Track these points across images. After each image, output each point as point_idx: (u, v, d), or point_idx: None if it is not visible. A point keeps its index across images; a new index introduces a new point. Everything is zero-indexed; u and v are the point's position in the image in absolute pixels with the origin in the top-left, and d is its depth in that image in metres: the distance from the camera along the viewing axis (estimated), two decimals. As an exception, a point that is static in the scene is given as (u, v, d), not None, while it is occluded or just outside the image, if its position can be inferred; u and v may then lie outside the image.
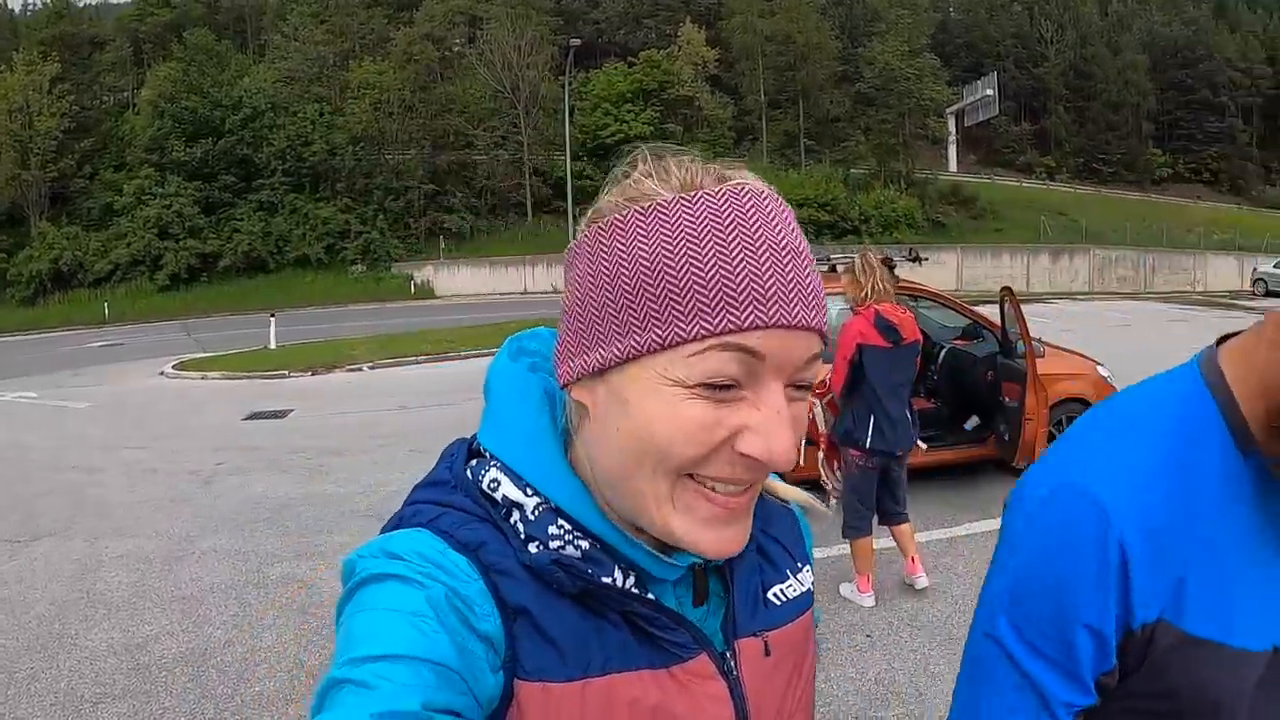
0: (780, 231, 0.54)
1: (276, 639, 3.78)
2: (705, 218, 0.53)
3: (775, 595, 0.70)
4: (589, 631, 0.59)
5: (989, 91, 38.16)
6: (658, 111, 37.56)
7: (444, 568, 0.56)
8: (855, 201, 33.23)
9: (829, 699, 3.16)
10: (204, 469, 7.04)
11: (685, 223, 0.53)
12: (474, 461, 0.64)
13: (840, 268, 4.65)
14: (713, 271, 0.52)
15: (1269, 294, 25.74)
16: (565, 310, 0.60)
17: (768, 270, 0.52)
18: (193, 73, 35.86)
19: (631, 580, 0.60)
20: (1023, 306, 5.10)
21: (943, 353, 6.01)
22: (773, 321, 0.52)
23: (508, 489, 0.60)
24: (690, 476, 0.55)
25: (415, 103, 35.58)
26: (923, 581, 3.89)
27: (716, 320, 0.51)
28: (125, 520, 5.70)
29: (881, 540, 4.03)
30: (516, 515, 0.60)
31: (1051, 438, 5.39)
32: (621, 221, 0.55)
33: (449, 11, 41.20)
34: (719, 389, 0.53)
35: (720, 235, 0.52)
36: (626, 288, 0.54)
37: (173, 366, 14.41)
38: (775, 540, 0.72)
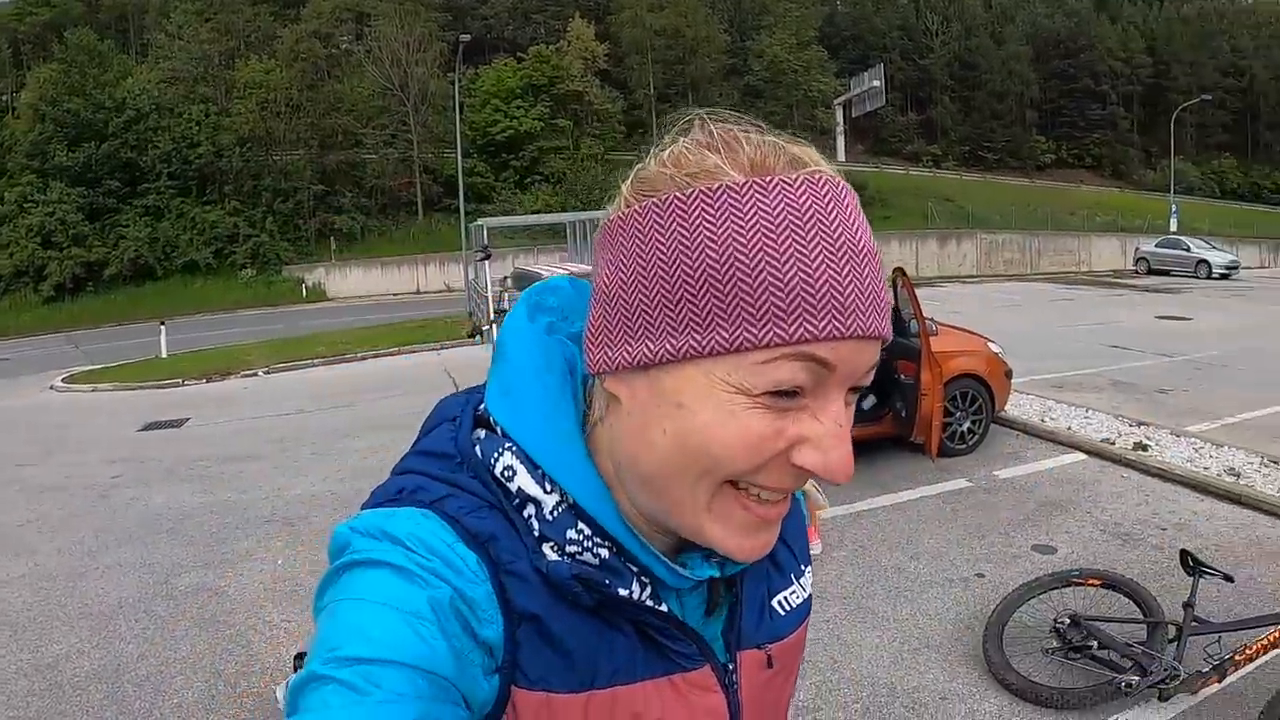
0: (858, 231, 0.50)
1: (190, 649, 3.82)
2: (782, 209, 0.48)
3: (780, 604, 0.69)
4: (597, 641, 0.57)
5: (876, 83, 39.42)
6: (548, 107, 37.65)
7: (450, 564, 0.53)
8: None
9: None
10: (101, 482, 6.95)
11: (760, 213, 0.48)
12: (481, 434, 0.60)
13: None
14: (791, 273, 0.47)
15: (1151, 272, 27.73)
16: (603, 292, 0.54)
17: (848, 276, 0.48)
18: (74, 74, 34.87)
19: (647, 591, 0.58)
20: (914, 289, 5.49)
21: None
22: (850, 332, 0.48)
23: (524, 481, 0.56)
24: (734, 484, 0.53)
25: (303, 102, 35.22)
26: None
27: (793, 328, 0.48)
28: (24, 538, 5.65)
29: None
30: (531, 510, 0.56)
31: (947, 413, 5.61)
32: (683, 201, 0.49)
33: (336, 8, 41.04)
34: (783, 397, 0.49)
35: (800, 232, 0.48)
36: (688, 279, 0.49)
37: (62, 380, 14.15)
38: (784, 542, 0.71)
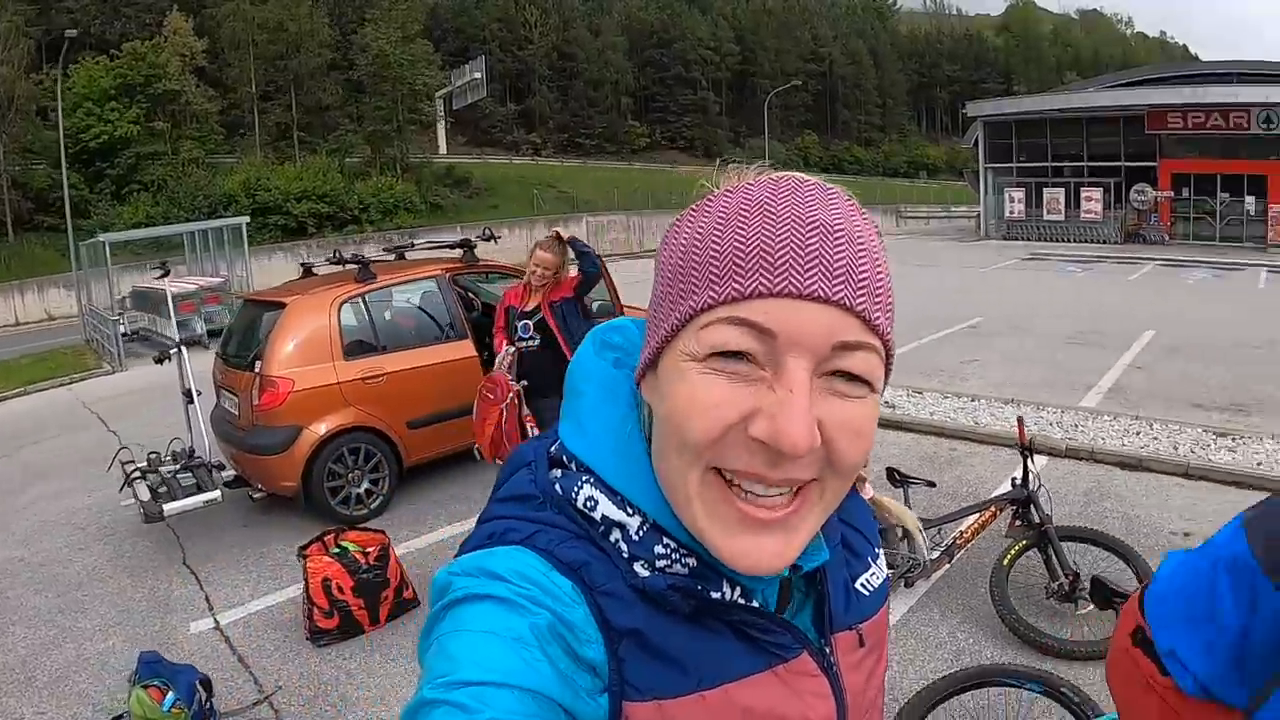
0: (813, 209, 0.73)
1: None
2: (738, 200, 0.75)
3: (863, 586, 0.97)
4: (698, 644, 0.80)
5: (477, 75, 53.89)
6: (144, 109, 45.83)
7: (548, 591, 0.75)
8: (354, 191, 45.09)
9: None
10: None
11: (721, 205, 0.76)
12: (558, 473, 0.85)
13: (410, 254, 8.36)
14: (728, 244, 0.72)
15: None
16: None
17: (783, 240, 0.71)
18: None
19: (738, 591, 0.82)
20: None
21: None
22: (778, 289, 0.70)
23: (606, 508, 0.81)
24: (718, 474, 0.74)
25: None
26: None
27: (722, 289, 0.72)
28: None
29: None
30: (617, 534, 0.81)
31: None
32: (679, 218, 0.81)
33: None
34: (730, 359, 0.72)
35: (745, 212, 0.73)
36: (668, 273, 0.78)
37: None
38: (855, 529, 1.00)
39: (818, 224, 0.73)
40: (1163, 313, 17.51)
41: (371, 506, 7.24)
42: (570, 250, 6.23)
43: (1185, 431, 8.68)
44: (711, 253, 0.74)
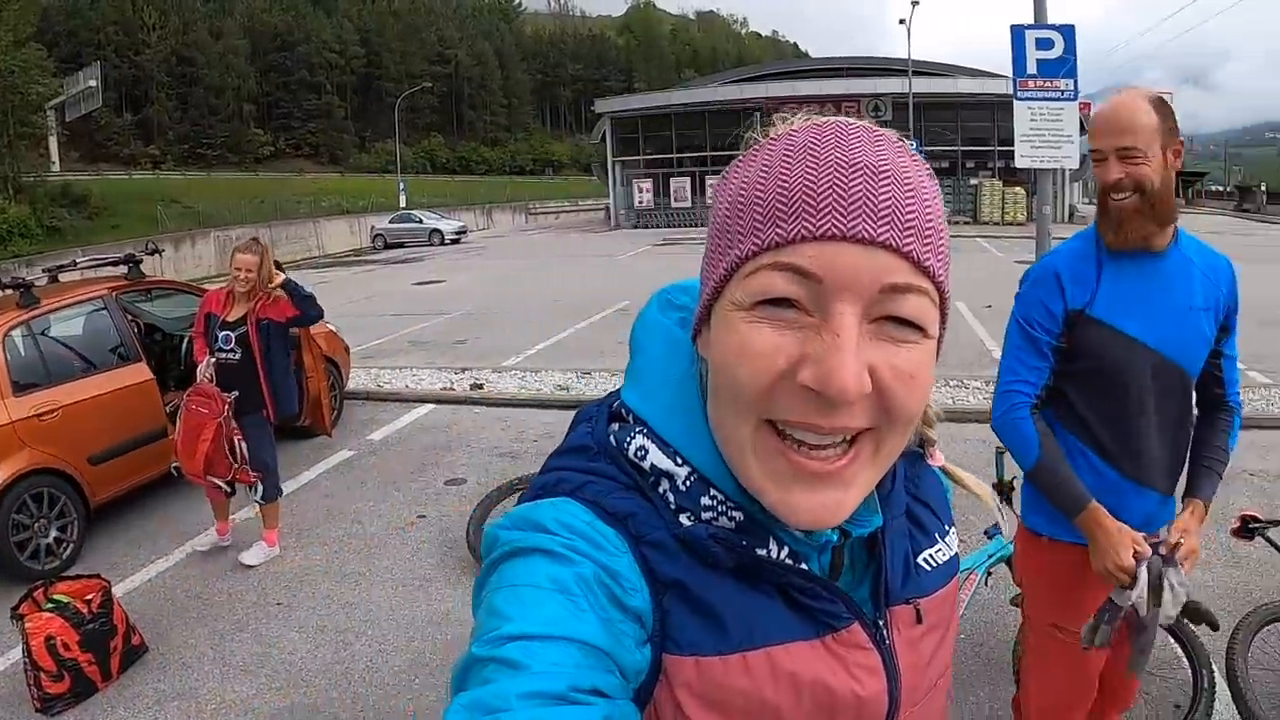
0: (857, 151, 0.71)
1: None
2: (781, 146, 0.74)
3: (926, 560, 0.93)
4: (743, 603, 0.78)
5: (92, 82, 49.79)
6: None
7: (592, 540, 0.75)
8: None
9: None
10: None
11: (765, 154, 0.75)
12: (616, 426, 0.86)
13: (67, 275, 7.76)
14: (771, 190, 0.71)
15: (388, 246, 42.99)
16: None
17: (825, 182, 0.69)
18: None
19: (785, 551, 0.81)
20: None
21: (185, 342, 8.10)
22: (821, 232, 0.68)
23: (656, 457, 0.81)
24: (772, 427, 0.73)
25: None
26: (276, 550, 6.16)
27: (765, 235, 0.71)
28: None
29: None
30: (666, 485, 0.81)
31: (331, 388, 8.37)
32: (726, 170, 0.80)
33: None
34: (777, 307, 0.70)
35: (789, 158, 0.72)
36: (716, 226, 0.78)
37: None
38: (925, 505, 0.96)
39: (861, 165, 0.71)
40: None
41: (64, 556, 6.38)
42: (270, 256, 6.04)
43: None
44: (756, 200, 0.73)
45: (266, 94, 76.31)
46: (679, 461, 0.82)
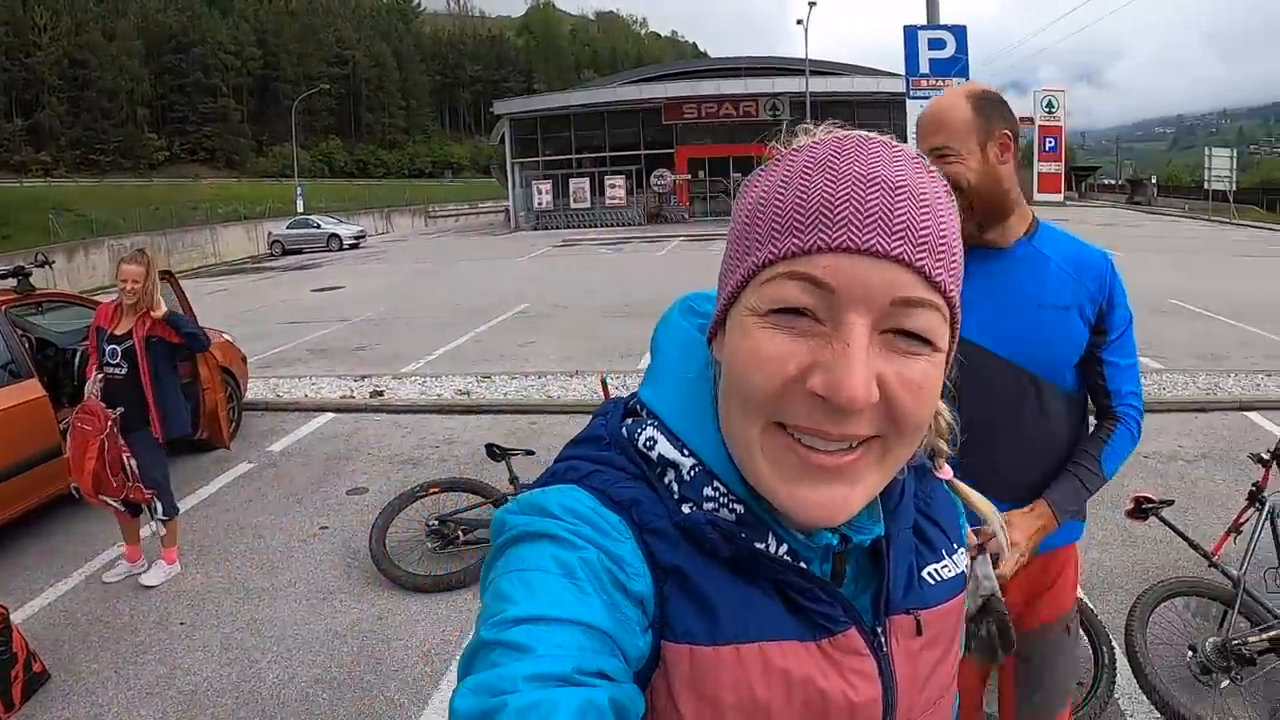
0: (876, 165, 0.74)
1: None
2: (802, 158, 0.77)
3: (930, 575, 0.94)
4: (740, 597, 0.80)
5: None
6: None
7: (597, 526, 0.77)
8: None
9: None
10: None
11: (786, 165, 0.78)
12: (629, 420, 0.89)
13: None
14: (790, 201, 0.74)
15: (286, 252, 42.48)
16: None
17: (843, 196, 0.72)
18: None
19: (784, 548, 0.83)
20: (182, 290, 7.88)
21: (78, 356, 7.87)
22: (836, 244, 0.71)
23: (664, 448, 0.84)
24: (782, 427, 0.76)
25: None
26: (176, 568, 6.08)
27: (783, 244, 0.74)
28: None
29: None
30: (671, 475, 0.84)
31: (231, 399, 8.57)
32: (748, 180, 0.83)
33: None
34: (790, 315, 0.73)
35: (809, 170, 0.75)
36: (735, 233, 0.81)
37: None
38: (934, 523, 0.98)
39: (879, 180, 0.75)
40: (691, 282, 19.26)
41: None
42: (156, 266, 6.02)
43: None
44: (775, 210, 0.77)
45: (161, 97, 75.01)
46: (686, 453, 0.85)
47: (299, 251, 42.76)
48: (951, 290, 0.77)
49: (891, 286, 0.73)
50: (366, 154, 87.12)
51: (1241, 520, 4.65)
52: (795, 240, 0.74)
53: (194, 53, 76.75)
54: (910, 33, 9.20)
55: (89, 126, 67.18)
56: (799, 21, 38.24)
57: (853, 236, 0.72)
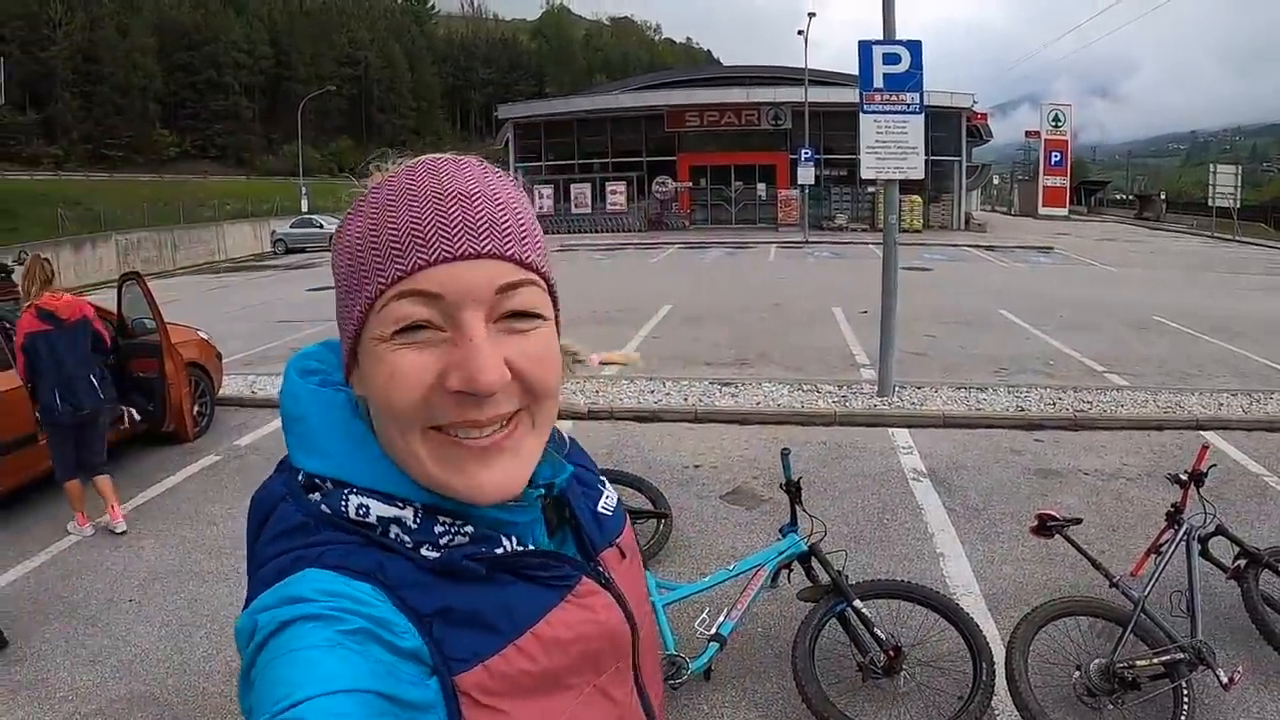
0: (448, 181, 0.83)
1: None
2: (384, 193, 0.84)
3: (603, 509, 1.09)
4: (499, 599, 0.86)
5: None
6: None
7: (353, 598, 0.78)
8: None
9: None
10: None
11: (371, 203, 0.84)
12: (317, 496, 0.88)
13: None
14: (384, 233, 0.81)
15: (289, 251, 42.98)
16: None
17: (428, 215, 0.80)
18: None
19: (514, 541, 0.90)
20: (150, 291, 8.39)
21: None
22: (435, 258, 0.79)
23: (379, 509, 0.86)
24: (438, 429, 0.82)
25: None
26: (121, 526, 6.74)
27: (388, 271, 0.80)
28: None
29: None
30: (396, 529, 0.85)
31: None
32: (340, 225, 0.89)
33: None
34: (413, 330, 0.80)
35: (392, 201, 0.82)
36: (342, 274, 0.86)
37: None
38: (579, 465, 1.09)
39: (454, 192, 0.83)
40: (680, 288, 19.91)
41: None
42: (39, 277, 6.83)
43: (695, 385, 10.28)
44: (372, 243, 0.83)
45: (173, 93, 75.60)
46: (401, 504, 0.87)
47: (302, 250, 43.34)
48: (543, 266, 0.88)
49: (491, 279, 0.83)
50: (377, 156, 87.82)
51: (1161, 541, 4.68)
52: (398, 265, 0.81)
53: (207, 50, 77.36)
54: (865, 48, 9.38)
55: (101, 121, 67.53)
56: (799, 32, 38.27)
57: (446, 247, 0.81)
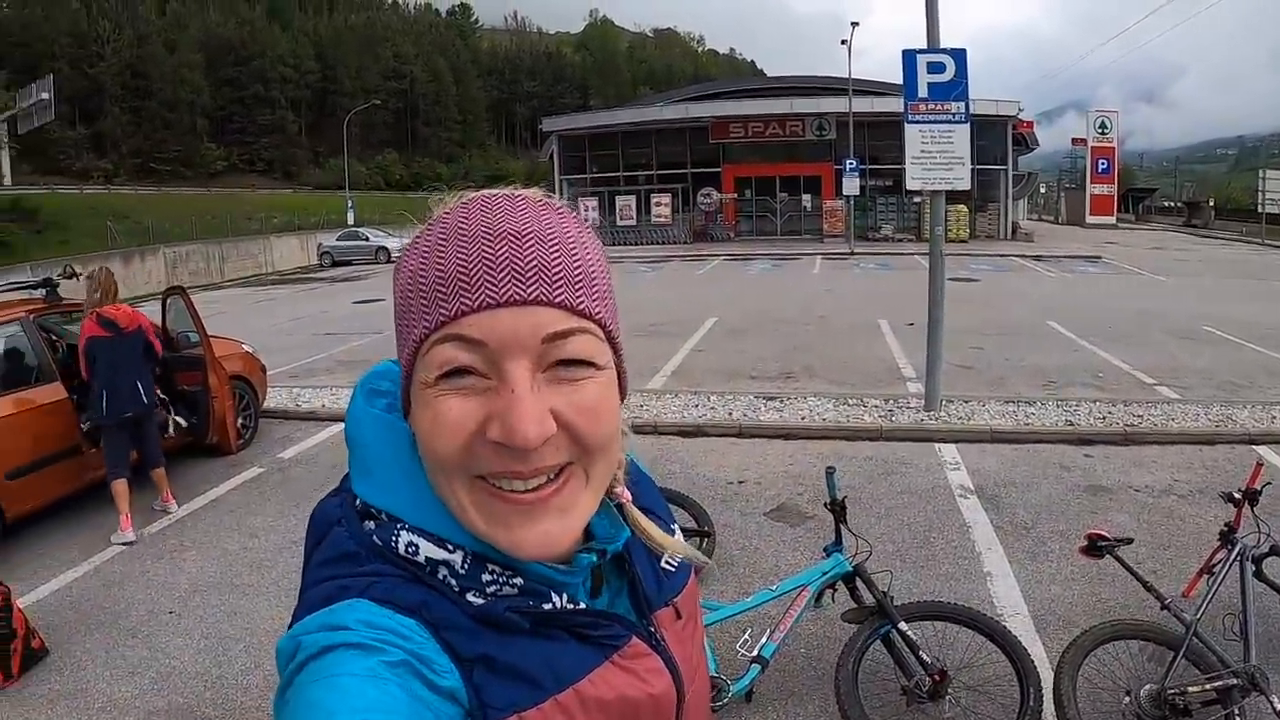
0: (500, 219, 0.79)
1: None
2: (436, 232, 0.81)
3: (668, 563, 1.03)
4: (543, 654, 0.84)
5: (45, 95, 49.81)
6: None
7: (397, 632, 0.77)
8: None
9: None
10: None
11: (424, 242, 0.81)
12: (372, 525, 0.87)
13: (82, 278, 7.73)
14: (432, 274, 0.78)
15: (335, 264, 43.22)
16: None
17: (474, 258, 0.77)
18: None
19: (564, 598, 0.87)
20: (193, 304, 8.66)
21: None
22: (478, 304, 0.76)
23: (428, 550, 0.84)
24: (483, 480, 0.79)
25: None
26: (173, 506, 7.47)
27: (433, 315, 0.77)
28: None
29: None
30: (444, 571, 0.83)
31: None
32: (397, 263, 0.86)
33: None
34: (457, 376, 0.77)
35: (443, 242, 0.79)
36: (397, 314, 0.84)
37: None
38: (650, 511, 1.03)
39: (504, 234, 0.79)
40: (725, 301, 19.85)
41: None
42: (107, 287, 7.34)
43: (739, 399, 10.19)
44: (420, 285, 0.81)
45: (220, 108, 76.80)
46: (450, 549, 0.85)
47: (348, 263, 43.78)
48: (599, 312, 0.83)
49: (538, 327, 0.78)
50: (423, 167, 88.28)
51: (1214, 561, 4.54)
52: (443, 310, 0.78)
53: (254, 65, 78.81)
54: (909, 57, 9.19)
55: (149, 136, 68.88)
56: (843, 42, 38.05)
57: (490, 293, 0.77)
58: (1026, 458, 8.27)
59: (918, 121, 9.46)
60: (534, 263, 0.79)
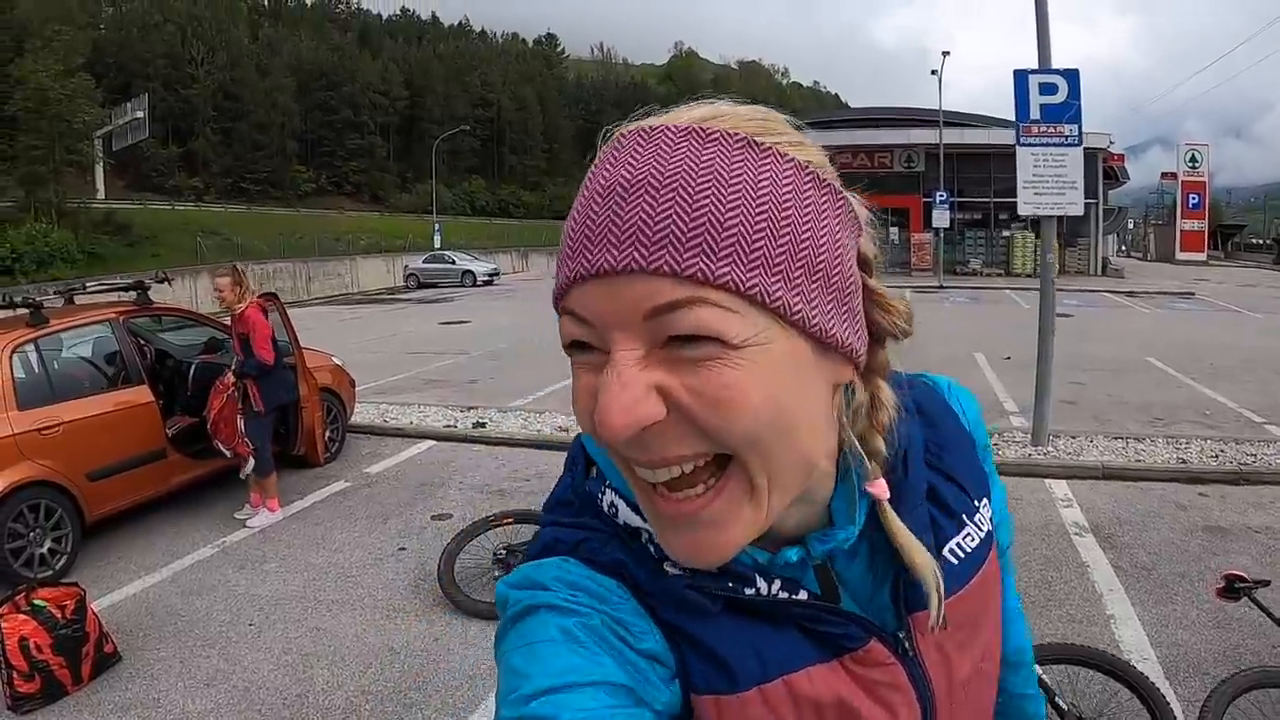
0: (625, 165, 0.66)
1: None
2: (586, 177, 0.71)
3: (952, 552, 0.86)
4: (749, 638, 0.77)
5: (139, 114, 51.41)
6: None
7: (595, 594, 0.76)
8: (5, 239, 40.03)
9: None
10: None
11: (581, 189, 0.70)
12: (593, 472, 0.85)
13: (80, 298, 8.24)
14: (564, 234, 0.70)
15: (421, 285, 43.91)
16: None
17: (581, 218, 0.67)
18: None
19: (777, 585, 0.78)
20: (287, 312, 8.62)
21: (193, 369, 8.53)
22: (574, 276, 0.66)
23: (626, 514, 0.80)
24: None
25: None
26: (277, 515, 7.61)
27: (557, 284, 0.70)
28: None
29: None
30: (645, 535, 0.79)
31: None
32: None
33: None
34: (580, 350, 0.70)
35: (581, 194, 0.70)
36: None
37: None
38: (952, 480, 0.89)
39: (614, 185, 0.67)
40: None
41: (56, 567, 6.62)
42: (240, 277, 7.63)
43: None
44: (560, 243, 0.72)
45: (310, 131, 78.18)
46: (644, 517, 0.78)
47: (433, 285, 44.13)
48: (722, 277, 0.64)
49: (638, 300, 0.65)
50: (508, 194, 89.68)
51: None
52: (561, 276, 0.70)
53: (344, 91, 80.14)
54: (1020, 77, 8.85)
55: (240, 156, 70.23)
56: (933, 72, 37.57)
57: (584, 263, 0.66)
58: (1140, 496, 7.87)
59: (1030, 144, 9.05)
60: (633, 221, 0.65)
